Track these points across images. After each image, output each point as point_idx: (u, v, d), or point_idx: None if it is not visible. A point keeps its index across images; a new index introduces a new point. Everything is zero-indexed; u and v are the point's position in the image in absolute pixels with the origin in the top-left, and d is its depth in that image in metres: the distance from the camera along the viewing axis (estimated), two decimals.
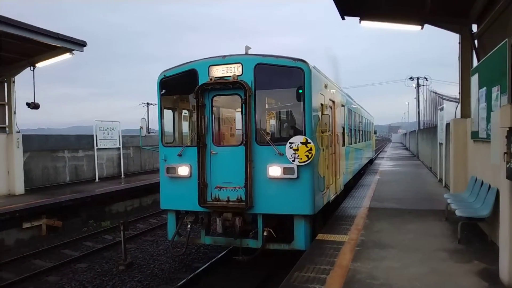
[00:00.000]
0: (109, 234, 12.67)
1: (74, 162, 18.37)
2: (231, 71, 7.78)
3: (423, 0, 9.51)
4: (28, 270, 9.35)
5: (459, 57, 10.78)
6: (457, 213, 7.20)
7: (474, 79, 8.43)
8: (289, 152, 7.34)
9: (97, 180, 18.60)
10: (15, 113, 14.72)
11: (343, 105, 11.99)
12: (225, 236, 8.09)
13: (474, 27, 10.26)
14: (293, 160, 7.34)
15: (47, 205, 12.45)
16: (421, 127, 36.32)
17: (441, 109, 16.02)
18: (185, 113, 9.41)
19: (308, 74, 7.54)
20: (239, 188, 7.72)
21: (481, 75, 7.86)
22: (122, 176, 20.53)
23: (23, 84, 16.14)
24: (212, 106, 8.14)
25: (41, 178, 16.70)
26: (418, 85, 43.22)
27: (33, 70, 13.85)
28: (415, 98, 44.13)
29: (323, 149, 8.41)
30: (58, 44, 12.53)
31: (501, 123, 4.97)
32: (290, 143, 7.35)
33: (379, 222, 8.74)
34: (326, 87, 9.13)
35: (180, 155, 8.16)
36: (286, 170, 7.45)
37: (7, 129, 14.79)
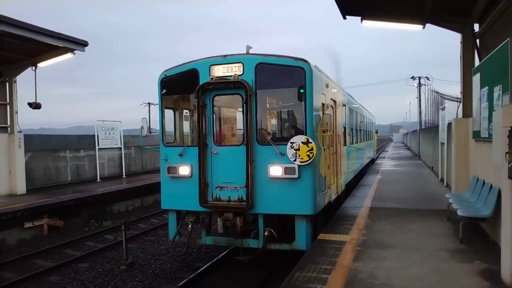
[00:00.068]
0: (111, 234, 12.69)
1: (75, 162, 18.40)
2: (232, 70, 7.76)
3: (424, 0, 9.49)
4: (30, 269, 9.37)
5: (460, 56, 10.74)
6: (459, 213, 7.18)
7: (476, 79, 8.40)
8: (290, 152, 7.32)
9: (98, 180, 18.61)
10: (16, 113, 14.73)
11: (344, 105, 11.96)
12: (226, 236, 8.08)
13: (476, 27, 10.23)
14: (294, 160, 7.32)
15: (49, 205, 12.48)
16: (423, 127, 36.30)
17: (443, 109, 16.00)
18: (186, 113, 9.39)
19: (310, 74, 7.52)
20: (240, 188, 7.71)
21: (483, 74, 7.84)
22: (124, 176, 20.56)
23: (25, 84, 16.15)
24: (213, 106, 8.14)
25: (43, 178, 16.73)
26: (419, 84, 43.25)
27: (35, 70, 13.87)
28: (417, 97, 44.18)
29: (324, 149, 8.39)
30: (60, 44, 12.54)
31: (502, 122, 4.96)
32: (291, 143, 7.33)
33: (380, 221, 8.73)
34: (327, 86, 9.11)
35: (181, 155, 8.15)
36: (287, 170, 7.43)
37: (8, 129, 14.81)
